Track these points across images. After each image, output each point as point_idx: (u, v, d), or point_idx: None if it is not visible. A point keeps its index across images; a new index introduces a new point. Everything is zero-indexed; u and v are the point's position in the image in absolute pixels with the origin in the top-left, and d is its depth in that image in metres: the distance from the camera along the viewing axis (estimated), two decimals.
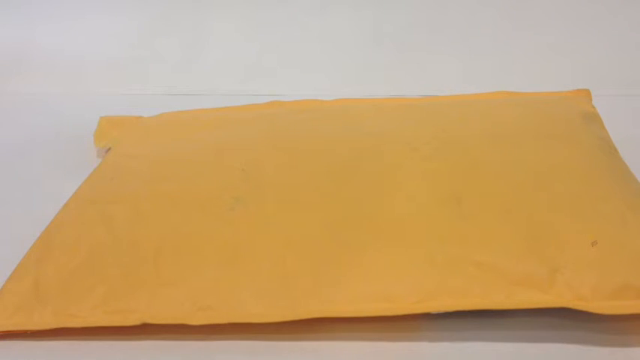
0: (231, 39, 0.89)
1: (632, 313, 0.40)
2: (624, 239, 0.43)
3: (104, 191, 0.55)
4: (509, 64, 0.83)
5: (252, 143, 0.59)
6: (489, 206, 0.47)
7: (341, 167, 0.53)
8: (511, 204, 0.47)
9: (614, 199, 0.47)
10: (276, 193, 0.51)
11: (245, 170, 0.54)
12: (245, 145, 0.59)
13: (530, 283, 0.41)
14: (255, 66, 0.86)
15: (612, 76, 0.79)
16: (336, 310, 0.42)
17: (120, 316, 0.43)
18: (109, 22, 0.91)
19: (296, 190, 0.51)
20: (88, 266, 0.46)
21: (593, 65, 0.81)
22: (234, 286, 0.43)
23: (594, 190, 0.48)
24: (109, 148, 0.64)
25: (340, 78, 0.84)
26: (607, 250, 0.42)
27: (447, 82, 0.79)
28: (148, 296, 0.43)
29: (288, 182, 0.52)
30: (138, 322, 0.42)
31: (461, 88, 0.70)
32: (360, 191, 0.50)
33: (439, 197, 0.48)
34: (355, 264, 0.43)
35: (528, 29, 0.85)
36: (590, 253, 0.42)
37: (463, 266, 0.42)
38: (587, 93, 0.66)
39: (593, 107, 0.63)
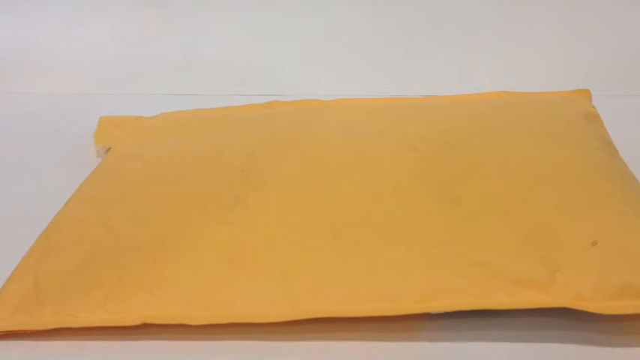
0: (231, 39, 0.89)
1: (632, 313, 0.40)
2: (624, 239, 0.43)
3: (104, 191, 0.55)
4: (509, 64, 0.82)
5: (252, 143, 0.59)
6: (489, 206, 0.47)
7: (341, 167, 0.53)
8: (511, 204, 0.47)
9: (614, 199, 0.47)
10: (276, 193, 0.51)
11: (245, 170, 0.54)
12: (245, 145, 0.59)
13: (530, 283, 0.41)
14: (255, 66, 0.86)
15: (612, 76, 0.79)
16: (336, 310, 0.42)
17: (120, 316, 0.43)
18: (109, 22, 0.91)
19: (296, 189, 0.51)
20: (88, 266, 0.46)
21: (593, 65, 0.81)
22: (234, 286, 0.43)
23: (594, 190, 0.48)
24: (109, 148, 0.64)
25: (340, 78, 0.84)
26: (607, 250, 0.42)
27: (447, 82, 0.79)
28: (148, 296, 0.43)
29: (288, 182, 0.52)
30: (138, 322, 0.42)
31: (461, 88, 0.70)
32: (360, 191, 0.50)
33: (439, 197, 0.48)
34: (355, 264, 0.43)
35: (528, 29, 0.85)
36: (590, 253, 0.42)
37: (463, 266, 0.42)
38: (587, 93, 0.66)
39: (593, 107, 0.63)
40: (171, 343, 0.43)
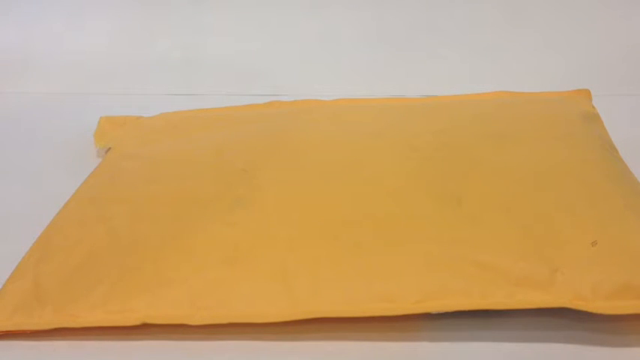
0: (231, 39, 0.89)
1: (632, 313, 0.40)
2: (624, 239, 0.43)
3: (104, 191, 0.55)
4: (510, 64, 0.83)
5: (252, 143, 0.59)
6: (490, 206, 0.47)
7: (341, 167, 0.53)
8: (511, 204, 0.47)
9: (614, 199, 0.47)
10: (276, 193, 0.51)
11: (246, 170, 0.54)
12: (245, 145, 0.59)
13: (530, 283, 0.41)
14: (255, 66, 0.86)
15: (612, 76, 0.79)
16: (336, 310, 0.42)
17: (120, 316, 0.43)
18: (109, 22, 0.91)
19: (296, 190, 0.51)
20: (88, 266, 0.46)
21: (593, 65, 0.81)
22: (234, 286, 0.43)
23: (594, 190, 0.48)
24: (109, 148, 0.64)
25: (340, 78, 0.84)
26: (607, 250, 0.42)
27: (447, 82, 0.79)
28: (148, 296, 0.43)
29: (288, 182, 0.52)
30: (138, 322, 0.42)
31: (461, 88, 0.70)
32: (360, 191, 0.50)
33: (439, 197, 0.48)
34: (355, 264, 0.43)
35: (528, 29, 0.85)
36: (590, 253, 0.42)
37: (463, 266, 0.42)
38: (587, 93, 0.66)
39: (593, 107, 0.63)
40: (171, 343, 0.43)
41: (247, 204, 0.50)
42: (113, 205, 0.52)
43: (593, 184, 0.48)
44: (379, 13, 0.88)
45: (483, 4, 0.86)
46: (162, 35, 0.90)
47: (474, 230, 0.45)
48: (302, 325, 0.42)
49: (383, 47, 0.86)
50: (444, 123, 0.59)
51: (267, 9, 0.89)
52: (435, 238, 0.44)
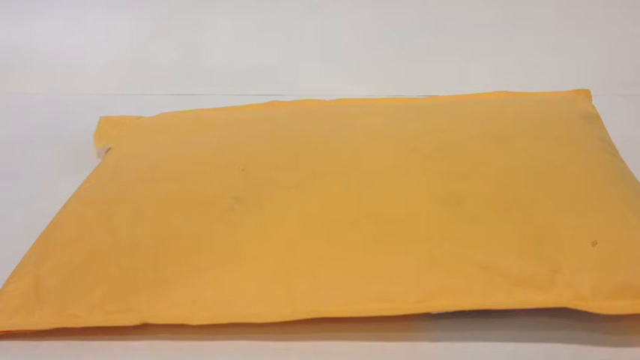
0: (231, 39, 0.89)
1: (632, 313, 0.40)
2: (624, 239, 0.43)
3: (104, 191, 0.55)
4: (510, 64, 0.82)
5: (252, 143, 0.59)
6: (489, 206, 0.47)
7: (341, 167, 0.53)
8: (511, 204, 0.47)
9: (614, 199, 0.47)
10: (276, 193, 0.51)
11: (245, 170, 0.54)
12: (245, 145, 0.59)
13: (530, 283, 0.41)
14: (255, 66, 0.86)
15: (612, 76, 0.79)
16: (336, 310, 0.42)
17: (120, 316, 0.43)
18: (109, 22, 0.91)
19: (296, 190, 0.51)
20: (88, 266, 0.46)
21: (593, 65, 0.81)
22: (234, 286, 0.43)
23: (594, 190, 0.48)
24: (109, 148, 0.64)
25: (340, 78, 0.84)
26: (607, 250, 0.42)
27: (447, 82, 0.79)
28: (148, 296, 0.43)
29: (288, 182, 0.52)
30: (138, 322, 0.42)
31: (461, 88, 0.70)
32: (360, 191, 0.50)
33: (439, 197, 0.48)
34: (355, 264, 0.43)
35: (528, 29, 0.85)
36: (590, 253, 0.42)
37: (463, 266, 0.42)
38: (587, 93, 0.66)
39: (593, 107, 0.63)
40: (171, 343, 0.43)
41: (247, 204, 0.50)
42: (113, 205, 0.52)
43: (593, 184, 0.48)
44: (379, 13, 0.88)
45: (483, 4, 0.86)
46: (162, 35, 0.90)
47: (473, 230, 0.45)
48: (302, 325, 0.42)
49: (383, 47, 0.86)
50: (444, 123, 0.59)
51: (267, 9, 0.89)
52: (435, 238, 0.44)
